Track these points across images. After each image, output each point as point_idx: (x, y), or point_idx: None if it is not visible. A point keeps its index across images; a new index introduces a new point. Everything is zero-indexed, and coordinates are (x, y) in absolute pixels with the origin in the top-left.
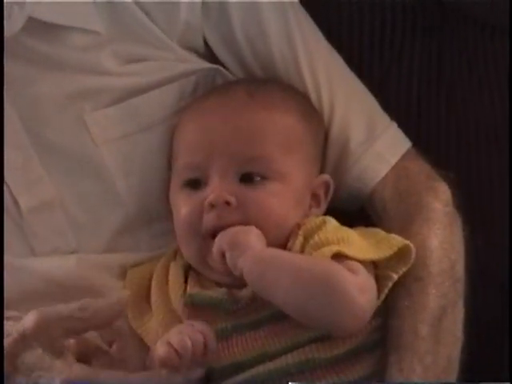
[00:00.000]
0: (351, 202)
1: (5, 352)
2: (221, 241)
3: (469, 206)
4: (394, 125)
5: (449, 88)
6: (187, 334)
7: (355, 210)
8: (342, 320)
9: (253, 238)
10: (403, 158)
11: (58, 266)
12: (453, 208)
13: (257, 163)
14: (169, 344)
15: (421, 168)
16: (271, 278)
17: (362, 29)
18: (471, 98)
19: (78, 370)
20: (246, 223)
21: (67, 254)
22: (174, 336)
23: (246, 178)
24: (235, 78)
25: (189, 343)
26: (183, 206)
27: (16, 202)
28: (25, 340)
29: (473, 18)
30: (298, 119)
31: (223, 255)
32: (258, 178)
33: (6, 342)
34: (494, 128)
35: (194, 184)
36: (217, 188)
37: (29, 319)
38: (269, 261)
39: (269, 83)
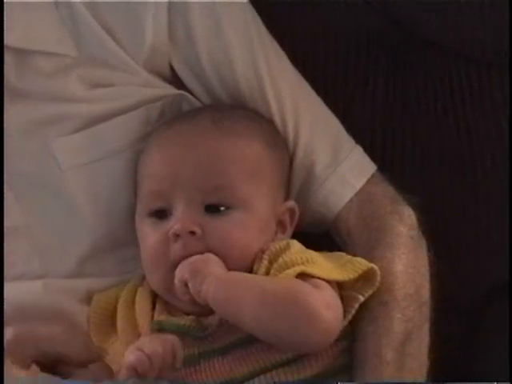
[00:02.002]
0: (316, 227)
1: None
2: (181, 271)
3: (433, 230)
4: (360, 149)
5: (414, 114)
6: (158, 342)
7: (320, 235)
8: (309, 336)
9: (212, 264)
10: (368, 182)
11: (25, 291)
12: (418, 232)
13: (221, 192)
14: (140, 349)
15: (385, 192)
16: (236, 301)
17: (326, 54)
18: (436, 125)
19: (43, 380)
20: (211, 252)
21: (34, 279)
22: (144, 343)
23: (211, 208)
24: (201, 105)
25: (160, 349)
26: (149, 235)
27: None
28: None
29: (437, 45)
30: (263, 147)
31: (186, 285)
32: (223, 208)
33: None
34: (458, 155)
35: (160, 214)
36: (181, 218)
37: (8, 330)
38: (232, 283)
39: (234, 110)
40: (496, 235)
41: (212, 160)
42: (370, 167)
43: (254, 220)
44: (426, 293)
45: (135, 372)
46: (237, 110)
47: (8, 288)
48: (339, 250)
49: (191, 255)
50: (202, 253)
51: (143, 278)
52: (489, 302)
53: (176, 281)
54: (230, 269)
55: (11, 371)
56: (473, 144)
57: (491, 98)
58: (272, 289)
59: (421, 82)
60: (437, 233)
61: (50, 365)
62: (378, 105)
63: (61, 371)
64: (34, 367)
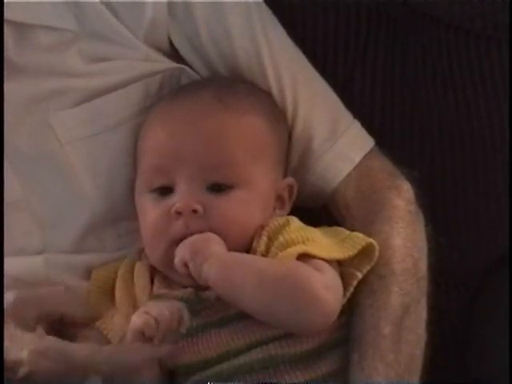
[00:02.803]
0: (314, 201)
1: None
2: (181, 251)
3: (432, 204)
4: (357, 123)
5: (413, 89)
6: (164, 306)
7: (318, 209)
8: (309, 319)
9: (213, 244)
10: (366, 156)
11: (25, 266)
12: (416, 206)
13: (224, 170)
14: (147, 313)
15: (383, 166)
16: (236, 283)
17: (326, 30)
18: (435, 99)
19: (47, 341)
20: (212, 231)
21: (33, 254)
22: (151, 307)
23: (214, 187)
24: (201, 78)
25: (167, 312)
26: (150, 211)
27: None
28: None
29: (437, 20)
30: (266, 124)
31: (186, 265)
32: (225, 187)
33: None
34: (458, 129)
35: (162, 190)
36: (184, 196)
37: (8, 295)
38: (232, 265)
39: (236, 85)
40: (495, 209)
41: (216, 137)
42: (368, 142)
43: (255, 198)
44: (423, 267)
45: (142, 336)
46: (239, 85)
47: (7, 263)
48: (337, 224)
49: (192, 233)
50: (203, 231)
51: (141, 252)
52: (488, 275)
53: (176, 261)
54: (230, 247)
55: (16, 334)
56: (472, 118)
57: (490, 72)
58: (272, 271)
59: (420, 57)
60: (435, 207)
61: (55, 328)
62: (377, 80)
63: (65, 334)
64: (40, 329)
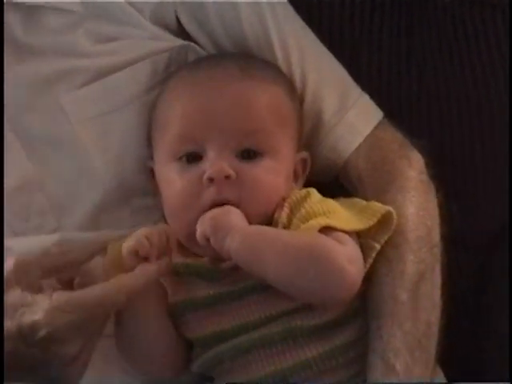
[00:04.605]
0: (326, 174)
1: None
2: (202, 225)
3: (441, 172)
4: (366, 96)
5: (419, 59)
6: (150, 228)
7: (329, 182)
8: (334, 290)
9: (234, 217)
10: (376, 128)
11: (41, 244)
12: (426, 175)
13: (255, 138)
14: (136, 235)
15: (393, 137)
16: (260, 256)
17: (331, 3)
18: (442, 67)
19: (58, 296)
20: (242, 198)
21: (49, 233)
22: (138, 232)
23: (244, 154)
24: (217, 53)
25: (154, 231)
26: (177, 180)
27: None
28: (4, 283)
29: None
30: (286, 96)
31: (207, 239)
32: (256, 154)
33: None
34: (465, 96)
35: (189, 157)
36: (216, 162)
37: (7, 263)
38: (255, 237)
39: (253, 58)
40: (503, 176)
41: (245, 105)
42: (378, 113)
43: (282, 167)
44: (436, 235)
45: (137, 257)
46: (256, 58)
47: (22, 242)
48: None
49: (224, 200)
50: (233, 199)
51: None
52: (496, 242)
53: (197, 235)
54: (254, 217)
55: (26, 298)
56: (478, 85)
57: (496, 39)
58: (295, 244)
59: (425, 26)
60: (445, 174)
61: (61, 281)
62: (384, 52)
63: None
64: (47, 287)
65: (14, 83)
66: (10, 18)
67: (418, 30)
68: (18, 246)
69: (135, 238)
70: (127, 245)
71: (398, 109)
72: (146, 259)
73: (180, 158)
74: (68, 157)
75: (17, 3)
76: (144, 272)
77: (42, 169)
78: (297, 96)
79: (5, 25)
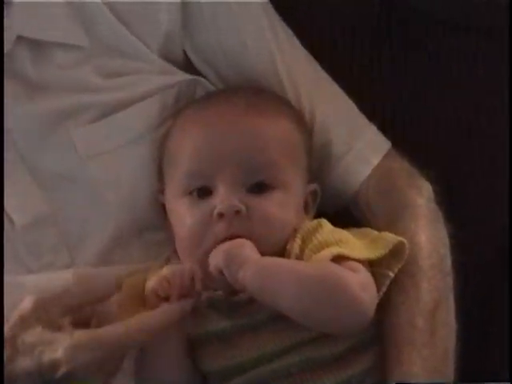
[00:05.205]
0: (335, 204)
1: (5, 335)
2: (216, 258)
3: (448, 202)
4: (374, 127)
5: (425, 88)
6: (175, 267)
7: (339, 213)
8: (348, 319)
9: (247, 249)
10: (384, 157)
11: (55, 281)
12: (435, 204)
13: (265, 172)
14: (159, 275)
15: (402, 166)
16: (275, 287)
17: (332, 32)
18: (444, 101)
19: (80, 334)
20: (253, 233)
21: (61, 269)
22: (162, 271)
23: (254, 188)
24: (226, 87)
25: (178, 272)
26: (187, 215)
27: (9, 220)
28: (23, 322)
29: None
30: (296, 129)
31: (221, 272)
32: (266, 188)
33: (6, 326)
34: (466, 128)
35: (200, 192)
36: (226, 197)
37: (26, 302)
38: (269, 269)
39: (263, 93)
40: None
41: (254, 139)
42: (385, 143)
43: (292, 200)
44: (449, 262)
45: (157, 297)
46: (266, 93)
47: (37, 279)
48: (358, 227)
49: (234, 236)
50: (243, 234)
51: (168, 261)
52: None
53: (211, 268)
54: (266, 249)
55: (46, 336)
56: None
57: (495, 66)
58: (310, 274)
59: (426, 58)
60: (452, 204)
61: (81, 320)
62: (387, 88)
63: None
64: (68, 326)
65: (25, 121)
66: (18, 52)
67: (418, 61)
68: (30, 283)
69: (156, 278)
70: (148, 285)
71: (401, 140)
72: (166, 299)
73: (191, 193)
74: (80, 192)
75: (26, 38)
76: (165, 312)
77: (55, 205)
78: (306, 128)
79: (14, 60)
